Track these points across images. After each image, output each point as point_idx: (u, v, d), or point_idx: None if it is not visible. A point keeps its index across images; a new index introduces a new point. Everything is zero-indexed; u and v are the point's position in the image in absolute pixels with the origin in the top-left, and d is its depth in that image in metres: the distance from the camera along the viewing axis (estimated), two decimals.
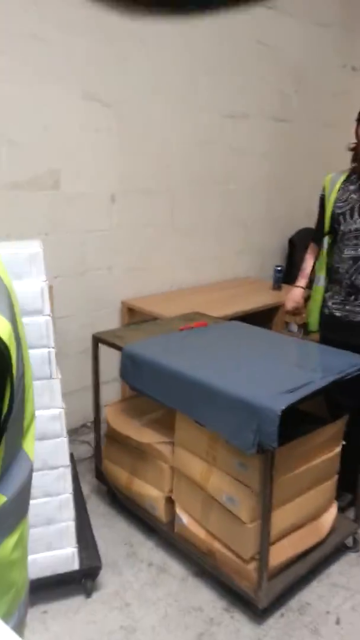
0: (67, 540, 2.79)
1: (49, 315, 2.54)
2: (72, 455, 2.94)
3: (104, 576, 3.01)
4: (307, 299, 3.74)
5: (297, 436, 2.71)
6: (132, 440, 3.27)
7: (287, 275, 5.02)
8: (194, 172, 4.80)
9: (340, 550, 3.25)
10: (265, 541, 2.62)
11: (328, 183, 3.52)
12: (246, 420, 2.45)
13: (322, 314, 3.59)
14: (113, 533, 3.40)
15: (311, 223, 3.78)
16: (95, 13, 3.84)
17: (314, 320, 3.66)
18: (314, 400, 2.74)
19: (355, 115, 3.32)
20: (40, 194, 3.86)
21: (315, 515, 3.03)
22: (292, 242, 5.59)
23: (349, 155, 3.43)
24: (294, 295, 3.76)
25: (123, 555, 3.22)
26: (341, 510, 3.29)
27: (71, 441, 3.00)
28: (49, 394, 2.60)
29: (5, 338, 0.86)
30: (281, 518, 2.76)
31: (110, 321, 4.45)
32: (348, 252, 3.36)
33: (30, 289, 2.47)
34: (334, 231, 3.47)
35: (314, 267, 3.68)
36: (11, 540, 1.04)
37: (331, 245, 3.53)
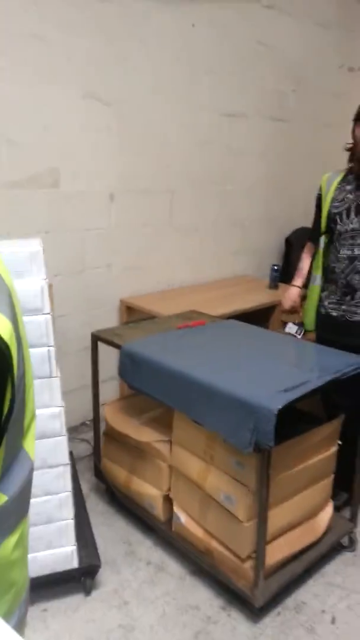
0: (66, 538, 2.80)
1: (49, 313, 2.54)
2: (71, 454, 2.95)
3: (103, 574, 3.02)
4: (303, 298, 3.74)
5: (294, 435, 2.72)
6: (130, 439, 3.28)
7: (283, 274, 5.04)
8: (193, 172, 4.81)
9: (336, 549, 3.26)
10: (262, 540, 2.64)
11: (325, 183, 3.53)
12: (243, 419, 2.46)
13: (318, 313, 3.59)
14: (112, 531, 3.41)
15: (308, 223, 3.78)
16: (95, 13, 3.84)
17: (310, 319, 3.67)
18: (311, 399, 2.75)
19: (352, 116, 3.32)
20: (39, 192, 3.87)
21: (312, 514, 3.04)
22: (288, 241, 5.60)
23: (346, 155, 3.44)
24: (291, 294, 3.77)
25: (122, 553, 3.23)
26: (337, 509, 3.31)
27: (70, 439, 3.01)
28: (48, 392, 2.61)
29: (6, 338, 0.87)
30: (278, 517, 2.77)
31: (109, 319, 4.46)
32: (344, 252, 3.37)
33: (30, 287, 2.48)
34: (330, 231, 3.47)
35: (311, 266, 3.68)
36: (12, 540, 1.05)
37: (327, 245, 3.53)
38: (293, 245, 5.45)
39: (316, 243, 3.62)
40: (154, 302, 4.43)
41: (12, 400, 0.93)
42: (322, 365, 2.87)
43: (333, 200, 3.43)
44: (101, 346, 3.43)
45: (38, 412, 2.10)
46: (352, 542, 3.32)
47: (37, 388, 2.47)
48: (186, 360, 2.95)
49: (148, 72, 4.26)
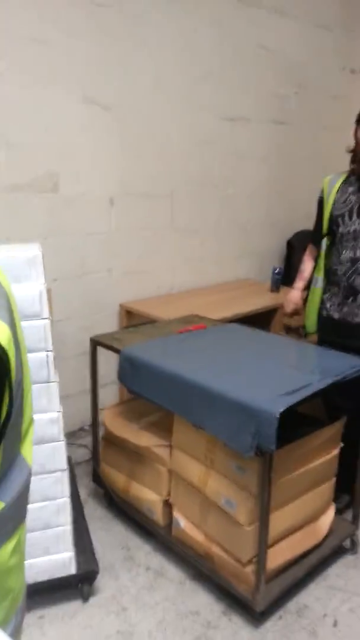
0: (64, 544, 2.78)
1: (48, 318, 2.53)
2: (69, 459, 2.94)
3: (101, 580, 3.01)
4: (305, 300, 3.74)
5: (295, 438, 2.71)
6: (129, 444, 3.27)
7: (285, 277, 5.03)
8: (194, 175, 4.80)
9: (337, 552, 3.25)
10: (263, 544, 2.62)
11: (327, 185, 3.53)
12: (244, 422, 2.45)
13: (320, 315, 3.58)
14: (110, 537, 3.39)
15: (309, 225, 3.78)
16: (96, 15, 3.83)
17: (311, 322, 3.66)
18: (312, 402, 2.73)
19: (354, 118, 3.32)
20: (39, 196, 3.86)
21: (313, 518, 3.03)
22: (290, 244, 5.60)
23: (348, 157, 3.43)
24: (293, 297, 3.76)
25: (120, 559, 3.21)
26: (339, 512, 3.29)
27: (69, 444, 3.00)
28: (46, 397, 2.59)
29: (4, 343, 0.86)
30: (279, 521, 2.75)
31: (109, 324, 4.45)
32: (346, 254, 3.36)
33: (29, 292, 2.46)
34: (332, 233, 3.47)
35: (312, 268, 3.68)
36: (9, 546, 1.04)
37: (329, 247, 3.53)
38: (295, 248, 5.44)
39: (318, 245, 3.62)
40: (154, 306, 4.42)
41: (10, 406, 0.93)
42: (323, 368, 2.86)
43: (335, 202, 3.43)
44: (100, 351, 3.42)
45: (36, 417, 2.09)
46: (354, 544, 3.31)
47: (35, 393, 2.46)
48: (186, 363, 2.94)
49: (149, 75, 4.26)
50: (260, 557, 2.63)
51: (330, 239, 3.51)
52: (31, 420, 1.12)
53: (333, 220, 3.43)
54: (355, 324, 3.37)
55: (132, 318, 4.44)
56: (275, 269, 4.98)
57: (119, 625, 2.76)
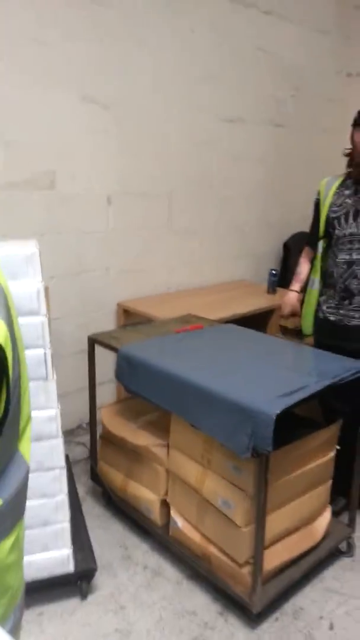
0: (62, 541, 2.79)
1: (45, 316, 2.53)
2: (67, 457, 2.94)
3: (99, 578, 3.01)
4: (301, 302, 3.74)
5: (292, 440, 2.71)
6: (127, 442, 3.27)
7: (282, 279, 5.04)
8: (191, 175, 4.81)
9: (334, 554, 3.25)
10: (260, 545, 2.63)
11: (323, 187, 3.53)
12: (241, 423, 2.45)
13: (316, 318, 3.59)
14: (108, 535, 3.40)
15: (306, 227, 3.79)
16: (95, 16, 3.84)
17: (308, 324, 3.67)
18: (309, 404, 2.74)
19: (351, 121, 3.32)
20: (36, 194, 3.86)
21: (310, 520, 3.03)
22: (287, 246, 5.61)
23: (345, 160, 3.44)
24: (290, 299, 3.77)
25: (118, 557, 3.22)
26: (335, 514, 3.30)
27: (67, 442, 3.01)
28: (44, 395, 2.60)
29: (1, 340, 0.86)
30: (275, 522, 2.76)
31: (106, 322, 4.45)
32: (342, 257, 3.37)
33: (26, 289, 2.47)
34: (328, 235, 3.47)
35: (309, 271, 3.68)
36: (7, 543, 1.04)
37: (325, 250, 3.53)
38: (291, 250, 5.45)
39: (314, 248, 3.62)
40: (151, 305, 4.42)
41: (7, 403, 0.93)
42: (320, 370, 2.86)
43: (331, 204, 3.43)
44: (98, 349, 3.42)
45: (34, 414, 2.09)
46: (350, 547, 3.31)
47: (33, 390, 2.46)
48: (183, 363, 2.94)
49: (147, 75, 4.27)
50: (256, 559, 2.64)
51: (326, 242, 3.52)
52: (29, 418, 1.12)
53: (329, 222, 3.44)
54: (352, 327, 3.38)
55: (129, 317, 4.45)
56: (271, 271, 4.99)
57: (117, 623, 2.77)
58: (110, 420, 3.45)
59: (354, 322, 3.36)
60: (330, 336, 3.49)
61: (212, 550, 2.86)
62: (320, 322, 3.55)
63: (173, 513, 3.10)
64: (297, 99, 5.49)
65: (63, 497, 2.75)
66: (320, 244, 3.57)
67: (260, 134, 5.27)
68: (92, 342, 3.43)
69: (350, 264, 3.34)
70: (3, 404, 0.92)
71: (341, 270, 3.37)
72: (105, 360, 3.63)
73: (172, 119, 4.53)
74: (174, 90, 4.48)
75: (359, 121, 3.28)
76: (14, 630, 1.17)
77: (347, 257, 3.35)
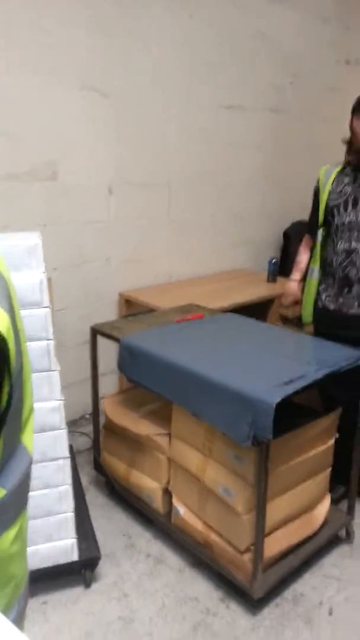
0: (66, 531, 2.81)
1: (48, 307, 2.54)
2: (71, 447, 2.96)
3: (103, 567, 3.04)
4: (301, 291, 3.75)
5: (292, 429, 2.73)
6: (129, 432, 3.29)
7: (281, 267, 5.04)
8: (191, 164, 4.81)
9: (333, 542, 3.28)
10: (260, 532, 2.65)
11: (322, 175, 3.53)
12: (241, 412, 2.47)
13: (315, 306, 3.59)
14: (111, 524, 3.42)
15: (306, 216, 3.77)
16: (94, 5, 3.84)
17: (307, 313, 3.67)
18: (308, 393, 2.75)
19: (350, 109, 3.32)
20: (37, 185, 3.86)
21: (309, 507, 3.06)
22: (286, 234, 5.59)
23: (344, 148, 3.43)
24: (291, 288, 3.78)
25: (121, 546, 3.25)
26: (334, 502, 3.31)
27: (70, 433, 3.02)
28: (48, 386, 2.61)
29: (3, 330, 0.87)
30: (276, 510, 2.78)
31: (108, 313, 4.46)
32: (341, 245, 3.36)
33: (29, 280, 2.48)
34: (327, 224, 3.47)
35: (309, 259, 3.69)
36: (11, 533, 1.06)
37: (325, 238, 3.53)
38: (291, 238, 5.44)
39: (314, 236, 3.62)
40: (152, 295, 4.43)
41: (10, 394, 0.93)
42: (319, 359, 2.87)
43: (331, 192, 3.43)
44: (100, 339, 3.44)
45: (37, 405, 2.11)
46: (349, 534, 3.34)
47: (37, 382, 2.48)
48: (184, 353, 2.96)
49: (146, 64, 4.26)
50: (257, 546, 2.67)
51: (325, 230, 3.52)
52: (31, 409, 1.13)
53: (328, 210, 3.43)
54: (351, 315, 3.38)
55: (131, 307, 4.46)
56: (271, 260, 5.00)
57: (121, 611, 2.80)
58: (113, 411, 3.47)
59: (353, 311, 3.37)
60: (329, 325, 3.49)
61: (214, 537, 2.89)
62: (320, 311, 3.56)
63: (175, 501, 3.12)
64: (295, 86, 5.47)
65: (67, 487, 2.77)
66: (320, 232, 3.56)
67: (259, 122, 5.26)
68: (95, 332, 3.45)
69: (349, 252, 3.34)
70: (5, 396, 0.93)
71: (340, 258, 3.38)
72: (108, 351, 3.65)
73: (171, 107, 4.52)
74: (173, 78, 4.47)
75: (358, 108, 3.28)
76: (18, 619, 1.19)
77: (347, 245, 3.35)
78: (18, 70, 3.60)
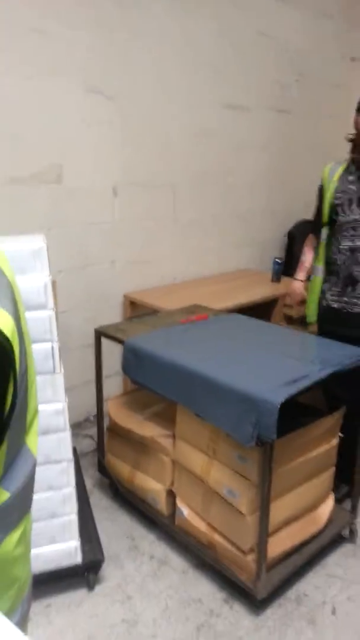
0: (70, 533, 2.81)
1: (53, 310, 2.55)
2: (75, 449, 2.96)
3: (106, 569, 3.05)
4: (306, 290, 3.75)
5: (296, 428, 2.73)
6: (134, 434, 3.29)
7: (286, 267, 5.04)
8: (195, 165, 4.81)
9: (336, 541, 3.28)
10: (264, 533, 2.65)
11: (327, 174, 3.53)
12: (245, 412, 2.47)
13: (320, 305, 3.60)
14: (115, 526, 3.43)
15: (310, 215, 3.78)
16: (96, 6, 3.84)
17: (312, 311, 3.67)
18: (312, 392, 2.76)
19: (355, 106, 3.32)
20: (42, 188, 3.87)
21: (313, 507, 3.06)
22: (291, 234, 5.61)
23: (349, 146, 3.43)
24: (298, 288, 3.78)
25: (125, 548, 3.25)
26: (338, 501, 3.31)
27: (74, 435, 3.03)
28: (52, 388, 2.62)
29: (8, 333, 0.86)
30: (279, 510, 2.79)
31: (113, 314, 4.47)
32: (345, 243, 3.37)
33: (34, 284, 2.49)
34: (332, 222, 3.48)
35: (314, 258, 3.69)
36: (14, 536, 1.05)
37: (329, 237, 3.53)
38: (295, 238, 5.45)
39: (318, 235, 3.62)
40: (157, 296, 4.44)
41: (15, 396, 0.92)
42: (323, 358, 2.87)
43: (335, 191, 3.43)
44: (105, 341, 3.44)
45: (42, 407, 2.11)
46: (352, 533, 3.34)
47: (41, 384, 2.49)
48: (189, 354, 2.96)
49: (149, 64, 4.26)
50: (261, 546, 2.67)
51: (330, 229, 3.52)
52: (36, 411, 1.13)
53: (333, 209, 3.44)
54: (355, 314, 3.39)
55: (135, 308, 4.46)
56: (276, 259, 5.00)
57: (124, 613, 2.80)
58: (117, 413, 3.47)
59: (357, 309, 3.38)
60: (333, 323, 3.50)
61: (217, 538, 2.89)
62: (324, 310, 3.56)
63: (179, 503, 3.13)
64: (300, 84, 5.48)
65: (71, 490, 2.77)
66: (324, 231, 3.57)
67: (263, 121, 5.26)
68: (99, 334, 3.45)
69: (353, 250, 3.34)
70: (10, 397, 0.92)
71: (344, 257, 3.38)
72: (112, 353, 3.65)
73: (175, 108, 4.52)
74: (177, 79, 4.47)
75: None
76: (22, 622, 1.19)
77: (351, 243, 3.35)
78: (21, 72, 3.60)
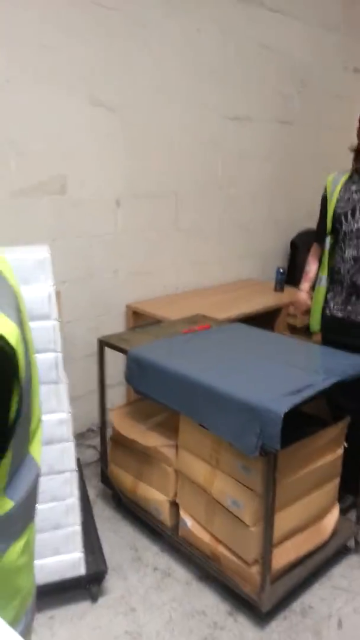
0: (73, 545, 2.80)
1: (57, 320, 2.55)
2: (78, 460, 2.95)
3: (110, 581, 3.03)
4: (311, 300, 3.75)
5: (300, 438, 2.72)
6: (137, 444, 3.28)
7: (289, 277, 5.04)
8: (197, 175, 4.81)
9: (342, 552, 3.27)
10: (268, 544, 2.64)
11: (330, 183, 3.54)
12: (249, 422, 2.46)
13: (323, 314, 3.60)
14: (118, 537, 3.41)
15: (313, 225, 3.79)
16: (100, 19, 3.85)
17: (315, 320, 3.67)
18: (316, 402, 2.75)
19: (357, 117, 3.33)
20: (46, 199, 3.87)
21: (317, 518, 3.04)
22: (294, 244, 5.60)
23: (351, 156, 3.44)
24: (302, 298, 3.78)
25: (128, 559, 3.23)
26: (343, 512, 3.29)
27: (77, 445, 3.01)
28: (55, 398, 2.61)
29: (12, 342, 0.87)
30: (284, 520, 2.77)
31: (116, 324, 4.46)
32: (349, 253, 3.37)
33: (38, 294, 2.49)
34: (335, 231, 3.48)
35: (318, 268, 3.69)
36: (18, 546, 1.05)
37: (333, 246, 3.54)
38: (298, 247, 5.45)
39: (322, 244, 3.63)
40: (160, 306, 4.43)
41: (19, 405, 0.93)
42: (327, 367, 2.87)
43: (338, 200, 3.44)
44: (108, 351, 3.44)
45: (45, 418, 2.10)
46: (358, 545, 3.32)
47: (45, 394, 2.48)
48: (192, 364, 2.95)
49: (152, 76, 4.27)
50: (265, 557, 2.65)
51: (333, 238, 3.52)
52: (39, 421, 1.13)
53: (336, 218, 3.44)
54: (358, 323, 3.38)
55: (138, 318, 4.45)
56: (279, 269, 4.99)
57: (127, 625, 2.79)
58: (120, 423, 3.46)
59: None
60: (337, 333, 3.49)
61: (221, 550, 2.88)
62: (328, 319, 3.56)
63: (182, 513, 3.11)
64: (303, 95, 5.49)
65: (74, 501, 2.77)
66: (328, 241, 3.57)
67: (266, 132, 5.27)
68: (102, 344, 3.45)
69: (357, 259, 3.35)
70: (15, 406, 0.93)
71: (348, 266, 3.38)
72: (115, 363, 3.65)
73: (177, 119, 4.52)
74: (179, 90, 4.48)
75: None
76: (25, 633, 1.18)
77: (354, 252, 3.36)
78: (25, 86, 3.60)
